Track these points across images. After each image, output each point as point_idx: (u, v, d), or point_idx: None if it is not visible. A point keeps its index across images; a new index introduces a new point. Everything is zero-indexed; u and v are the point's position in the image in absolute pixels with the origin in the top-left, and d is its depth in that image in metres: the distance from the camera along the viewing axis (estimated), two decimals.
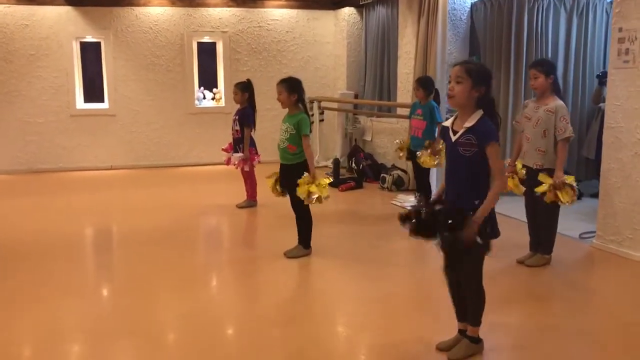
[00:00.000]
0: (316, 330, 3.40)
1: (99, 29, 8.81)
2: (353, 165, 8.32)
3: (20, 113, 8.70)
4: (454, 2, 6.95)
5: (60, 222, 5.96)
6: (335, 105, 9.19)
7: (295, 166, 4.52)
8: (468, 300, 2.90)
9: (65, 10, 8.63)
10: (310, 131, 4.58)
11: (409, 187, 7.30)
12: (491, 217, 2.78)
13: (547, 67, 4.21)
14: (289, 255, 4.63)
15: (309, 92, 9.36)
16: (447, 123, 2.83)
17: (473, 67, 2.70)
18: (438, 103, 5.78)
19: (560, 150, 4.15)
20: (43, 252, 4.96)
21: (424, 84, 5.75)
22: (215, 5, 9.17)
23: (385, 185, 7.44)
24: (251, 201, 6.40)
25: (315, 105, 9.09)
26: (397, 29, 7.86)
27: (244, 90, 6.27)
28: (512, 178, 4.41)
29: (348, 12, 9.33)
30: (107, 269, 4.72)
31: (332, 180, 7.86)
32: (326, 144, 9.40)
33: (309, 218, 4.64)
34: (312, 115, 9.02)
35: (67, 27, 8.68)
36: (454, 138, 2.75)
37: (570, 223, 5.55)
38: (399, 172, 7.42)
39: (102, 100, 9.12)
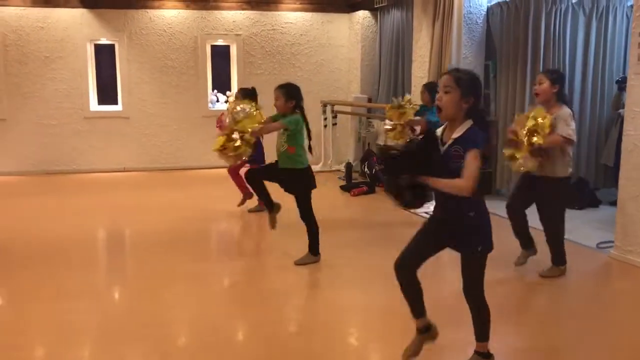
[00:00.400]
0: (325, 341, 3.32)
1: (113, 31, 8.83)
2: (366, 169, 8.24)
3: (34, 115, 8.74)
4: (470, 6, 6.85)
5: (72, 224, 5.96)
6: (348, 109, 9.12)
7: (297, 172, 4.44)
8: (472, 315, 2.80)
9: (80, 12, 8.66)
10: (307, 136, 4.48)
11: None
12: (485, 229, 2.68)
13: (555, 75, 4.09)
14: (298, 262, 4.56)
15: (323, 96, 9.36)
16: (437, 132, 2.72)
17: (462, 77, 2.59)
18: None
19: (555, 136, 3.93)
20: (54, 253, 4.95)
21: (431, 88, 5.72)
22: (230, 8, 9.15)
23: None
24: (262, 206, 6.35)
25: (328, 108, 9.03)
26: (411, 32, 7.77)
27: (245, 97, 6.24)
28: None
29: (362, 15, 9.26)
30: (119, 272, 4.72)
31: (344, 184, 7.78)
32: (339, 148, 9.33)
33: (313, 225, 4.55)
34: (325, 119, 8.97)
35: (82, 29, 8.71)
36: (442, 149, 2.64)
37: (587, 232, 5.42)
38: None
39: (115, 102, 9.14)
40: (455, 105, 2.57)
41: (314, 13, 9.44)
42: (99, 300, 3.99)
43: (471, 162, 2.50)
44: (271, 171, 4.61)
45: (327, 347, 3.24)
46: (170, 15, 8.97)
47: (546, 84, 4.03)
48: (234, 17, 9.18)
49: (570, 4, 6.50)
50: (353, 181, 7.93)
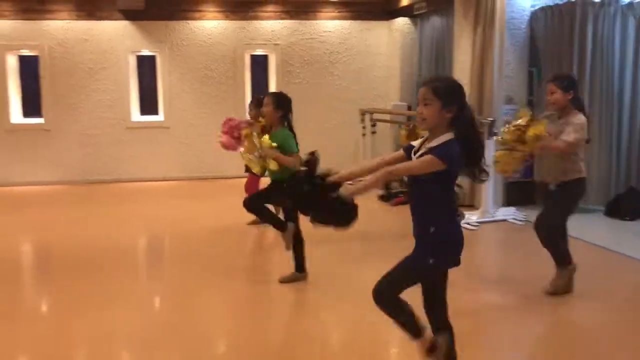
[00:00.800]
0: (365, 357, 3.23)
1: (154, 42, 8.97)
2: (406, 178, 8.09)
3: (78, 125, 8.93)
4: (513, 11, 6.68)
5: (113, 234, 6.04)
6: (387, 117, 9.01)
7: (285, 181, 4.24)
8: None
9: (123, 24, 8.83)
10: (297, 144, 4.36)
11: (464, 202, 7.02)
12: (446, 243, 2.52)
13: (566, 82, 3.91)
14: (283, 280, 4.40)
15: (361, 104, 9.27)
16: (416, 143, 2.60)
17: (441, 86, 2.47)
18: None
19: (558, 142, 3.80)
20: (94, 263, 5.03)
21: None
22: (268, 18, 9.19)
23: None
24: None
25: (367, 117, 8.94)
26: (452, 39, 7.63)
27: (259, 105, 6.19)
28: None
29: (402, 22, 9.16)
30: (157, 281, 4.76)
31: (384, 194, 7.67)
32: (378, 157, 9.22)
33: (299, 238, 4.35)
34: (364, 127, 8.88)
35: (124, 41, 8.87)
36: (414, 158, 2.53)
37: (638, 244, 5.17)
38: None
39: (156, 112, 9.27)
40: (437, 116, 2.45)
41: (352, 21, 9.39)
42: (137, 309, 4.00)
43: (421, 160, 2.42)
44: (266, 194, 4.50)
45: None
46: (210, 26, 9.06)
47: (558, 93, 3.88)
48: (273, 27, 9.21)
49: (619, 7, 6.26)
50: (392, 191, 7.81)
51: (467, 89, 6.88)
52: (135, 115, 9.20)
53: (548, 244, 4.01)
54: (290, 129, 4.36)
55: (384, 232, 5.99)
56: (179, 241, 5.80)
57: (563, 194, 3.93)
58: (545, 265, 4.16)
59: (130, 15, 8.78)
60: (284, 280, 4.36)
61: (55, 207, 7.42)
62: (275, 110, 4.32)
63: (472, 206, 6.76)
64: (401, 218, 6.68)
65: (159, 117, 9.22)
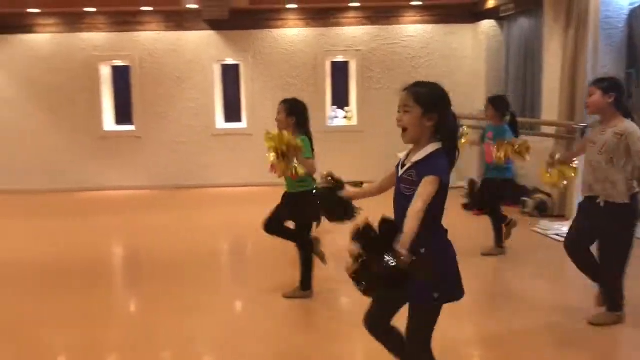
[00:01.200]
0: None
1: (238, 51, 9.16)
2: None
3: (166, 133, 9.27)
4: (608, 10, 6.27)
5: (198, 237, 6.23)
6: (471, 122, 8.72)
7: (300, 195, 4.17)
8: None
9: (208, 34, 9.09)
10: (313, 150, 4.20)
11: (553, 212, 6.66)
12: (443, 271, 2.28)
13: (606, 83, 3.57)
14: (287, 295, 4.29)
15: None
16: (401, 155, 2.41)
17: (422, 92, 2.29)
18: (515, 128, 5.24)
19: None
20: (181, 265, 5.19)
21: (493, 100, 5.40)
22: (350, 24, 9.16)
23: (526, 210, 6.86)
24: None
25: None
26: (541, 41, 7.29)
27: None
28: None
29: (487, 24, 8.85)
30: (239, 286, 4.86)
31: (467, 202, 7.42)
32: (460, 163, 8.94)
33: (309, 253, 4.25)
34: None
35: (209, 50, 9.13)
36: (400, 173, 2.34)
37: None
38: (542, 195, 6.81)
39: (240, 120, 9.47)
40: (416, 125, 2.28)
41: (435, 25, 9.19)
42: (218, 314, 4.09)
43: (424, 185, 2.19)
44: (281, 211, 4.37)
45: None
46: (292, 34, 9.15)
47: (597, 95, 3.54)
48: (354, 33, 9.17)
49: None
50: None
51: (557, 93, 6.61)
52: (220, 122, 9.43)
53: (606, 281, 3.63)
54: (307, 134, 4.26)
55: (465, 244, 5.76)
56: (262, 246, 5.84)
57: (617, 219, 3.50)
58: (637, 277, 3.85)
59: (215, 25, 9.03)
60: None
61: (144, 211, 7.73)
62: (288, 117, 4.26)
63: (562, 216, 6.40)
64: (482, 229, 6.42)
65: (242, 125, 9.41)
